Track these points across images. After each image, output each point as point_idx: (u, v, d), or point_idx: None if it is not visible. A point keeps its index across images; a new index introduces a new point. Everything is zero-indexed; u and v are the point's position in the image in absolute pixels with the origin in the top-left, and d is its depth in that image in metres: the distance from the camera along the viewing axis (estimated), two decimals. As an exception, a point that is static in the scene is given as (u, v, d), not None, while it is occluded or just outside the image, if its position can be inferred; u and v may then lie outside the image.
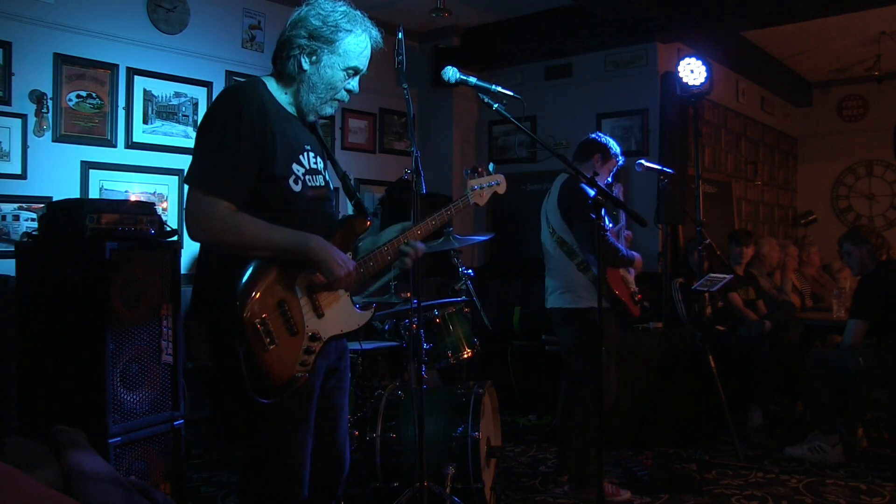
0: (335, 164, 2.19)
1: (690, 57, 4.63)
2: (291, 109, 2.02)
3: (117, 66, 4.28)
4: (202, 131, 1.90)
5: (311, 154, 2.03)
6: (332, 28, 1.94)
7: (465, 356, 3.43)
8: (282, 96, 2.00)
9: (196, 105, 4.66)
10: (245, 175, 1.85)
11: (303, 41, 1.94)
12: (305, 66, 1.96)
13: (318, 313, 1.94)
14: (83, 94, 4.13)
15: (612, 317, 3.57)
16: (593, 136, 3.70)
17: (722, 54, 5.99)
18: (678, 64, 4.64)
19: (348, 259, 1.94)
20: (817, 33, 6.08)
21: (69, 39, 4.06)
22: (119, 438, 2.86)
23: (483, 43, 5.99)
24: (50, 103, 3.98)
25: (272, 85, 2.00)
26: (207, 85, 4.71)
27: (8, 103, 3.83)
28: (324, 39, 1.94)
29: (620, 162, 3.68)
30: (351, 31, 1.97)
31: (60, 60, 4.03)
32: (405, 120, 5.98)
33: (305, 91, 1.99)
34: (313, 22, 1.94)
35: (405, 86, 2.21)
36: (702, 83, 4.57)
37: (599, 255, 2.54)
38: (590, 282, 3.44)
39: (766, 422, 4.63)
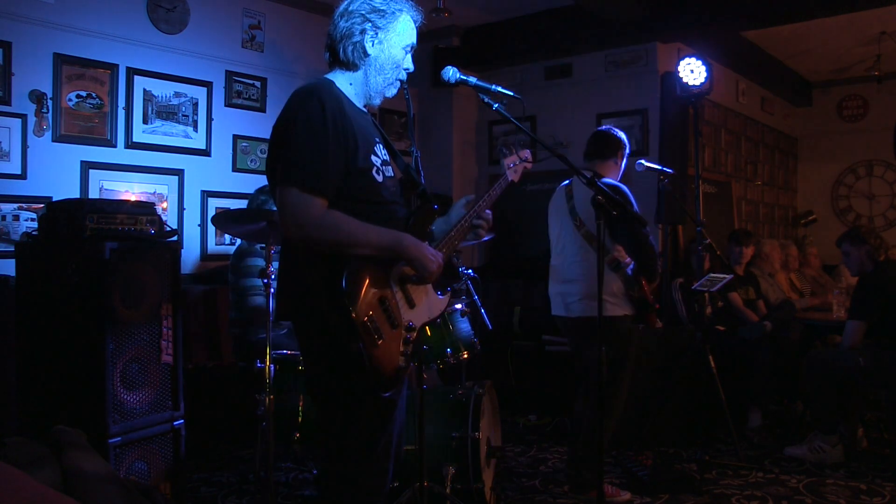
0: (396, 154, 2.20)
1: (690, 57, 4.63)
2: (358, 102, 2.07)
3: (117, 66, 4.28)
4: (288, 130, 1.90)
5: (380, 146, 2.08)
6: (386, 10, 2.03)
7: (465, 356, 3.42)
8: (347, 88, 2.05)
9: (196, 105, 4.66)
10: (336, 170, 1.89)
11: (365, 25, 2.00)
12: (369, 49, 2.02)
13: (411, 304, 2.02)
14: (83, 94, 4.13)
15: (635, 326, 3.50)
16: (609, 130, 3.62)
17: (722, 54, 5.99)
18: (678, 64, 4.64)
19: (436, 252, 2.03)
20: (817, 33, 6.08)
21: (69, 39, 4.06)
22: (119, 438, 2.86)
23: (483, 43, 6.00)
24: (50, 103, 3.98)
25: (339, 80, 2.04)
26: (207, 85, 4.72)
27: (8, 103, 3.84)
28: (383, 21, 2.02)
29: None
30: (402, 9, 2.06)
31: (60, 60, 4.03)
32: (405, 120, 5.99)
33: (373, 74, 2.05)
34: (371, 4, 2.02)
35: (405, 86, 2.21)
36: (702, 83, 4.57)
37: (600, 257, 2.53)
38: (621, 283, 3.36)
39: (766, 422, 4.63)
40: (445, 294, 2.20)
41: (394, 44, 2.05)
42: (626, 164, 3.63)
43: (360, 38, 2.01)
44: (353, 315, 1.80)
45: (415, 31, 2.10)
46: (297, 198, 1.83)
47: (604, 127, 3.70)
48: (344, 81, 2.05)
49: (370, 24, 2.01)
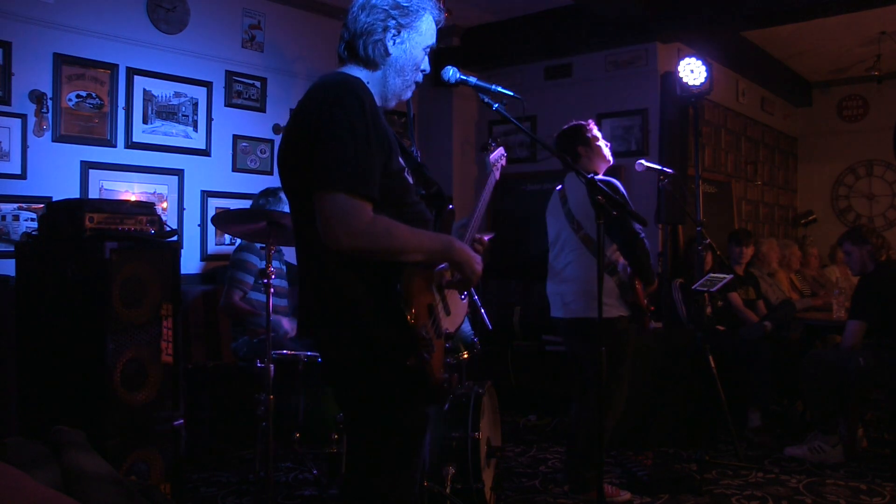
0: (408, 153, 2.08)
1: (690, 57, 4.63)
2: (378, 101, 1.94)
3: (117, 66, 4.28)
4: (325, 128, 1.72)
5: (396, 145, 1.97)
6: (409, 7, 1.91)
7: (465, 356, 3.43)
8: (366, 86, 1.91)
9: (196, 105, 4.65)
10: (378, 173, 1.75)
11: (388, 22, 1.88)
12: (391, 49, 1.90)
13: (447, 311, 1.95)
14: (83, 94, 4.13)
15: (632, 326, 3.47)
16: (563, 129, 3.54)
17: (722, 54, 5.98)
18: (678, 64, 4.64)
19: (477, 255, 1.94)
20: (817, 33, 6.08)
21: (69, 39, 4.06)
22: (119, 438, 2.86)
23: (483, 43, 6.00)
24: (50, 103, 3.98)
25: (361, 77, 1.91)
26: (207, 85, 4.71)
27: (8, 103, 3.84)
28: (407, 20, 1.90)
29: (601, 137, 3.51)
30: (426, 8, 1.94)
31: (60, 60, 4.03)
32: (405, 120, 5.99)
33: (392, 75, 1.93)
34: (394, 0, 1.89)
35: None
36: (702, 83, 4.57)
37: (600, 258, 2.53)
38: (615, 286, 3.35)
39: (766, 422, 4.63)
40: (465, 298, 2.13)
41: (416, 44, 1.92)
42: (601, 144, 3.49)
43: (383, 35, 1.88)
44: (411, 326, 1.69)
45: (435, 32, 1.99)
46: (345, 204, 1.66)
47: (564, 126, 3.58)
48: (364, 79, 1.90)
49: (394, 22, 1.88)
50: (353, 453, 1.94)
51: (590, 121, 3.56)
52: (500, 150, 2.52)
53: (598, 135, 3.52)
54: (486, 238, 2.16)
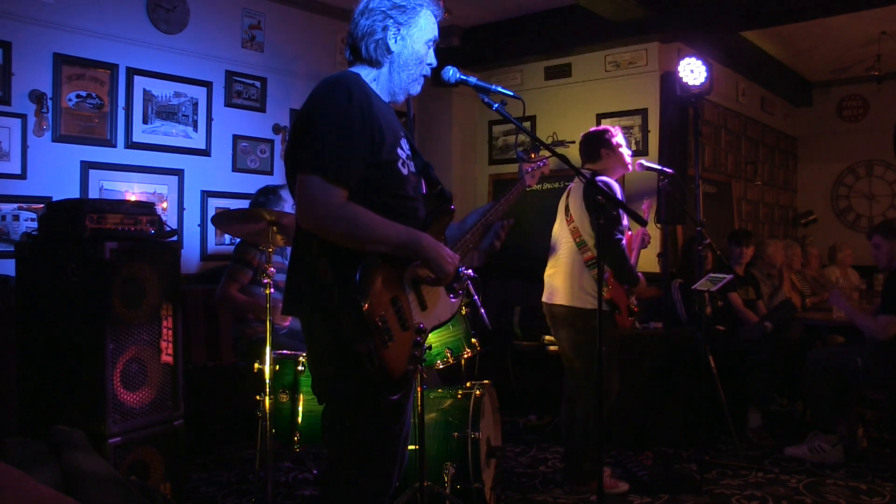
0: (416, 152, 2.15)
1: (690, 57, 4.62)
2: (384, 97, 2.04)
3: (117, 66, 4.28)
4: (312, 117, 1.85)
5: (405, 141, 2.04)
6: (406, 6, 1.99)
7: (465, 356, 3.42)
8: (371, 84, 2.01)
9: (196, 105, 4.65)
10: (359, 161, 1.84)
11: (387, 22, 1.98)
12: (393, 46, 1.99)
13: (423, 306, 1.99)
14: (83, 94, 4.13)
15: (612, 318, 3.54)
16: (592, 130, 3.70)
17: (722, 54, 5.99)
18: (678, 64, 4.63)
19: (454, 254, 1.99)
20: (817, 33, 6.08)
21: (69, 39, 4.06)
22: (119, 438, 2.86)
23: (483, 43, 6.00)
24: (50, 103, 3.98)
25: (363, 76, 2.00)
26: (207, 85, 4.71)
27: (8, 103, 3.84)
28: (405, 17, 1.99)
29: (625, 145, 3.64)
30: (423, 4, 2.02)
31: (60, 60, 4.03)
32: (405, 120, 5.98)
33: (397, 71, 2.02)
34: (392, 1, 1.99)
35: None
36: (702, 83, 4.56)
37: (600, 256, 2.53)
38: (594, 280, 3.44)
39: (766, 422, 4.63)
40: (457, 297, 2.14)
41: (416, 39, 2.01)
42: (624, 151, 3.64)
43: (383, 34, 1.98)
44: (365, 314, 1.75)
45: (436, 26, 2.07)
46: (318, 186, 1.78)
47: (592, 129, 3.76)
48: (367, 77, 2.01)
49: (392, 21, 1.97)
50: (326, 441, 1.99)
51: (616, 127, 3.73)
52: (537, 164, 2.55)
53: (623, 142, 3.67)
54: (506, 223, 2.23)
